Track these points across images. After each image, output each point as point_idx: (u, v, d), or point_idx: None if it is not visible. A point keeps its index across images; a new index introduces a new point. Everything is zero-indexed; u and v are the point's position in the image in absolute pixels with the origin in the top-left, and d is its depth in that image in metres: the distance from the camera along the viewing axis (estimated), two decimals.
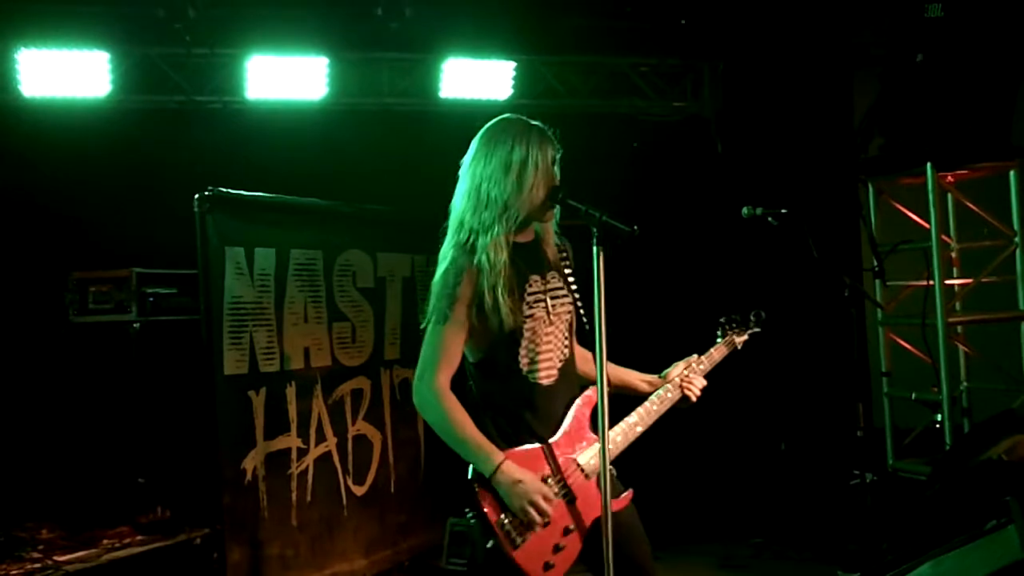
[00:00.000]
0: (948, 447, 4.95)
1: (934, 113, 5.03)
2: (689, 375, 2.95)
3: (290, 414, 4.44)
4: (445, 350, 2.60)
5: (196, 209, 4.08)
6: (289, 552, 4.35)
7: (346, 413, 4.81)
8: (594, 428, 2.72)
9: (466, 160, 2.69)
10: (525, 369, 2.65)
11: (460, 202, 2.67)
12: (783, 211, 3.90)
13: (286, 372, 4.45)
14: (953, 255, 5.50)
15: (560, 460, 2.65)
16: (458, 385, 2.68)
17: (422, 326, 2.67)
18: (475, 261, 2.58)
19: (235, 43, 5.66)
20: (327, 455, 4.65)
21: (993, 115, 5.01)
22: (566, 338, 2.75)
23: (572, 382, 2.77)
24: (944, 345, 5.03)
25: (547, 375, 2.68)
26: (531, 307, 2.64)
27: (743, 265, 6.32)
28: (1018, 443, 3.53)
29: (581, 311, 2.75)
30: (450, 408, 2.58)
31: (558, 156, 2.69)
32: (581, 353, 2.85)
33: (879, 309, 5.51)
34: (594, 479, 2.65)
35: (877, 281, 5.32)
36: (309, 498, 4.50)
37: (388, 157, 5.97)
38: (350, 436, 4.82)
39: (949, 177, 5.30)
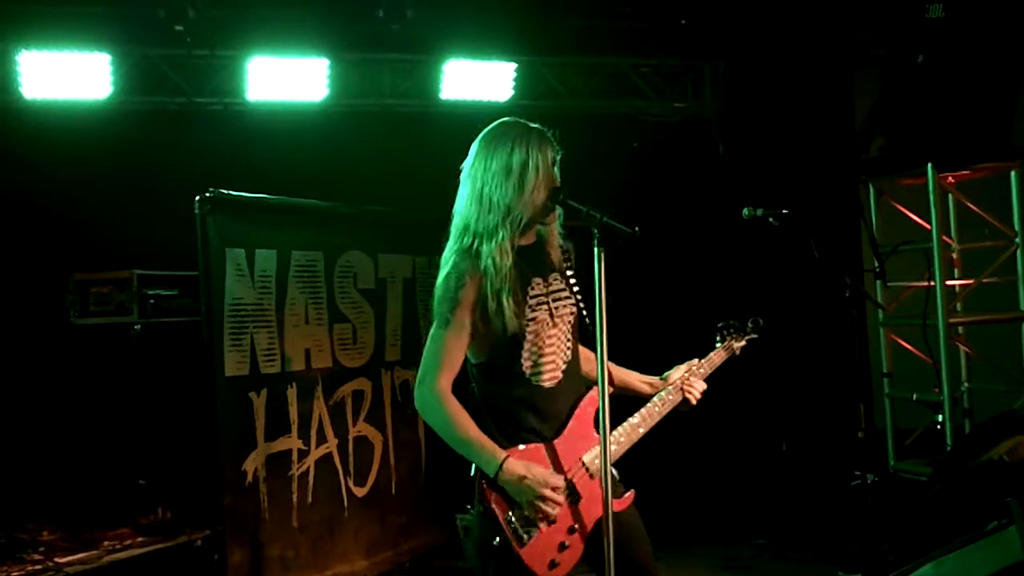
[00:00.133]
0: (949, 448, 4.95)
1: (935, 114, 5.02)
2: (690, 378, 2.96)
3: (291, 415, 4.44)
4: (446, 354, 2.60)
5: (197, 211, 4.08)
6: (290, 553, 4.35)
7: (347, 414, 4.81)
8: (598, 428, 2.71)
9: (466, 164, 2.69)
10: (528, 372, 2.65)
11: (463, 206, 2.67)
12: (784, 212, 3.90)
13: (287, 373, 4.45)
14: (954, 256, 5.50)
15: (564, 459, 2.65)
16: (459, 388, 2.68)
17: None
18: (479, 265, 2.58)
19: (236, 44, 5.66)
20: (328, 456, 4.65)
21: (994, 115, 5.01)
22: (569, 340, 2.75)
23: (576, 383, 2.78)
24: (945, 346, 5.02)
25: (550, 377, 2.69)
26: (534, 310, 2.64)
27: (744, 266, 6.31)
28: (1019, 444, 3.54)
29: (584, 312, 2.75)
30: (452, 411, 2.59)
31: (558, 158, 2.69)
32: (584, 354, 2.86)
33: (880, 310, 5.50)
34: (598, 479, 2.65)
35: (878, 282, 5.32)
36: (310, 499, 4.50)
37: (389, 158, 5.98)
38: (351, 437, 4.82)
39: (950, 178, 5.30)
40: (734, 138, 6.54)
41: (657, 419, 2.86)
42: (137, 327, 4.80)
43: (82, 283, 4.89)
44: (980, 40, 4.97)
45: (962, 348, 5.58)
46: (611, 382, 2.85)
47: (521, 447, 2.61)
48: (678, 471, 5.99)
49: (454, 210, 2.70)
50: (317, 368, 4.63)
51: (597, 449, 2.68)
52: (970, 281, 5.37)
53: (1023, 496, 2.88)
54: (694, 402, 2.94)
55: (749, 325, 3.25)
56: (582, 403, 2.74)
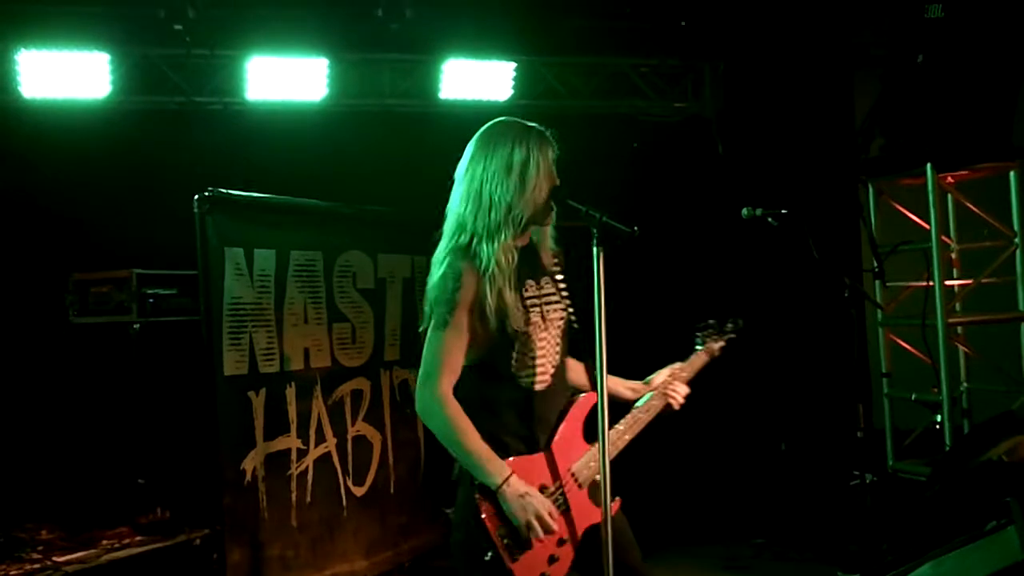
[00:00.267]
0: (948, 448, 4.95)
1: (934, 114, 5.02)
2: (672, 383, 2.95)
3: (290, 415, 4.44)
4: (447, 356, 2.55)
5: (196, 210, 4.08)
6: (289, 553, 4.35)
7: (346, 414, 4.81)
8: (587, 436, 2.72)
9: (463, 163, 2.67)
10: (519, 374, 2.62)
11: (459, 205, 2.63)
12: (783, 211, 3.90)
13: (286, 373, 4.45)
14: (953, 256, 5.50)
15: (556, 469, 2.63)
16: None
17: (420, 329, 2.64)
18: (477, 265, 2.54)
19: (235, 44, 5.66)
20: (327, 456, 4.65)
21: (993, 115, 5.01)
22: (558, 345, 2.72)
23: (564, 389, 2.76)
24: (944, 346, 5.02)
25: (541, 381, 2.66)
26: (527, 312, 2.62)
27: (743, 266, 6.32)
28: (1018, 444, 3.54)
29: (573, 319, 2.73)
30: (454, 417, 2.54)
31: (556, 157, 2.68)
32: (569, 362, 2.83)
33: (879, 310, 5.50)
34: (586, 488, 2.66)
35: (877, 282, 5.31)
36: (309, 499, 4.49)
37: (388, 158, 5.98)
38: (350, 437, 4.81)
39: (949, 178, 5.30)
40: (734, 138, 6.54)
41: (643, 425, 2.84)
42: (136, 326, 4.80)
43: (81, 282, 4.89)
44: (980, 40, 4.97)
45: (961, 348, 5.58)
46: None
47: (522, 458, 2.58)
48: (678, 471, 6.00)
49: (447, 209, 2.67)
50: (316, 367, 4.63)
51: (586, 458, 2.68)
52: (969, 281, 5.36)
53: (1022, 496, 2.88)
54: (677, 407, 2.94)
55: (728, 325, 3.23)
56: (571, 411, 2.72)
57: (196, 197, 4.08)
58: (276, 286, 4.44)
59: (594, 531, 2.61)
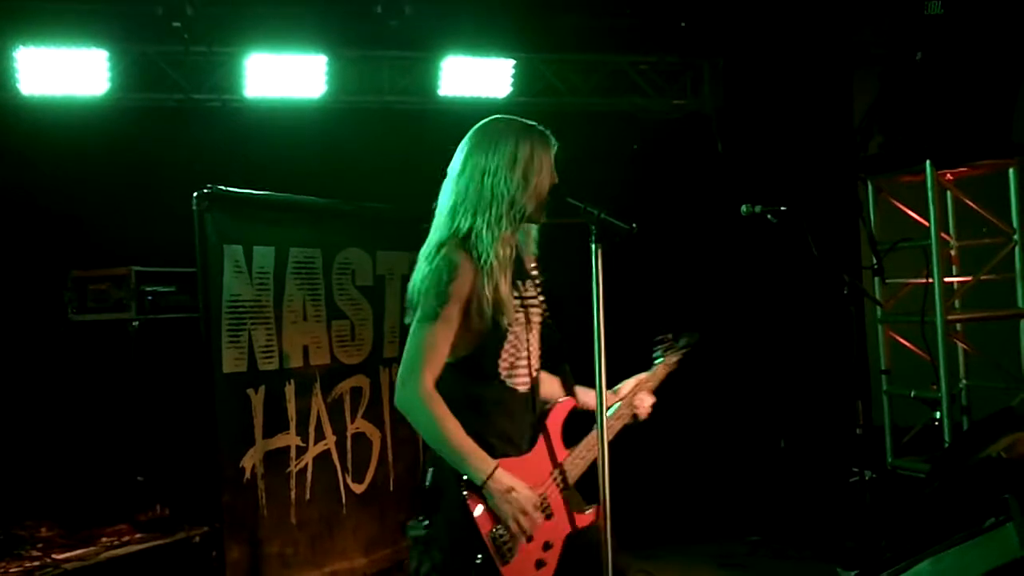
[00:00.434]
0: (947, 445, 4.95)
1: (934, 111, 5.02)
2: (639, 392, 2.97)
3: (289, 412, 4.44)
4: (433, 351, 2.49)
5: (195, 207, 4.07)
6: (288, 550, 4.35)
7: (345, 411, 4.81)
8: (566, 442, 2.72)
9: (459, 158, 2.64)
10: (504, 374, 2.59)
11: (454, 196, 2.59)
12: (782, 209, 3.89)
13: (285, 370, 4.45)
14: (952, 253, 5.50)
15: (537, 474, 2.61)
16: None
17: (406, 321, 2.59)
18: (474, 258, 2.51)
19: (233, 41, 5.66)
20: (326, 453, 4.65)
21: (993, 112, 5.01)
22: (539, 348, 2.70)
23: (540, 393, 2.74)
24: (943, 343, 5.02)
25: (523, 382, 2.64)
26: (516, 311, 2.59)
27: (742, 263, 6.31)
28: (1017, 441, 3.54)
29: (550, 322, 2.72)
30: (439, 412, 2.47)
31: (555, 155, 2.67)
32: (543, 375, 2.81)
33: (878, 307, 5.50)
34: (565, 495, 2.65)
35: (876, 279, 5.31)
36: (308, 496, 4.49)
37: (387, 155, 5.97)
38: (349, 434, 4.81)
39: (948, 175, 5.30)
40: (733, 135, 6.54)
41: (613, 434, 2.83)
42: (135, 324, 4.79)
43: (80, 280, 4.88)
44: (979, 37, 4.96)
45: (960, 345, 5.58)
46: (574, 396, 2.84)
47: (508, 459, 2.55)
48: (676, 468, 6.00)
49: (439, 203, 2.64)
50: (315, 365, 4.63)
51: (566, 464, 2.68)
52: (968, 278, 5.37)
53: (1021, 493, 2.88)
54: (643, 417, 2.95)
55: (683, 340, 3.23)
56: (551, 415, 2.72)
57: (195, 194, 4.08)
58: (275, 283, 4.44)
59: (572, 539, 2.61)
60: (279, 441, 4.37)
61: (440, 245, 2.55)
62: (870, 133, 5.51)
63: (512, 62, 6.18)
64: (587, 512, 2.69)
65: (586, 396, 2.90)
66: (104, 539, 4.40)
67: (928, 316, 5.03)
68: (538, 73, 6.37)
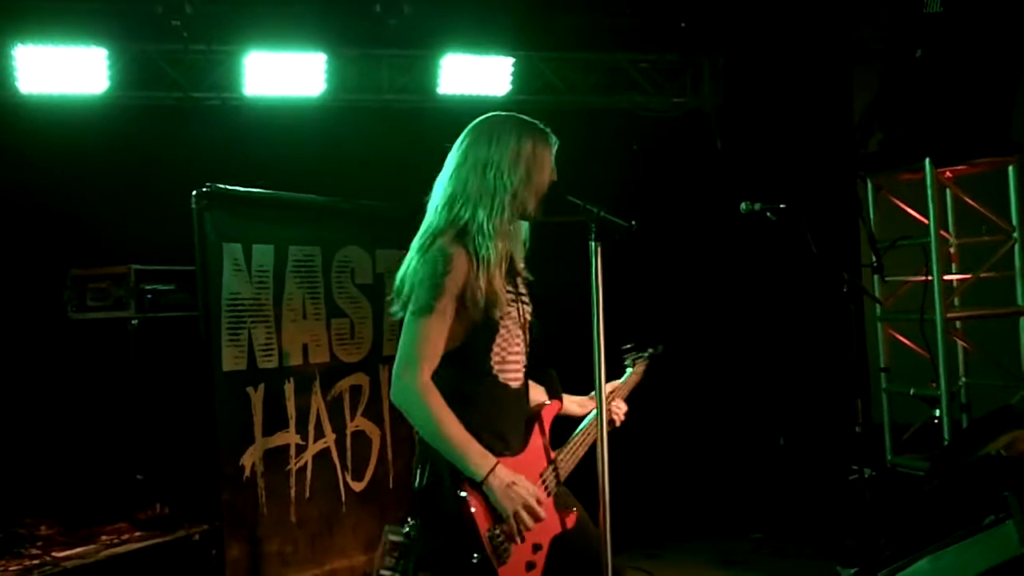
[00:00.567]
0: (946, 443, 4.95)
1: (933, 108, 5.02)
2: (614, 399, 3.00)
3: (288, 410, 4.44)
4: (429, 344, 2.44)
5: (194, 205, 4.08)
6: (288, 548, 4.35)
7: (345, 409, 4.81)
8: (554, 444, 2.73)
9: (457, 152, 2.62)
10: (496, 368, 2.58)
11: (452, 187, 2.57)
12: (782, 206, 3.89)
13: (284, 368, 4.45)
14: (952, 251, 5.50)
15: (532, 474, 2.60)
16: None
17: (393, 312, 2.56)
18: (471, 250, 2.48)
19: (233, 39, 5.65)
20: (326, 451, 4.65)
21: (992, 110, 5.01)
22: (528, 345, 2.69)
23: (528, 393, 2.74)
24: (943, 341, 5.02)
25: (515, 378, 2.63)
26: (508, 304, 2.58)
27: (742, 260, 6.31)
28: (1016, 439, 3.54)
29: (535, 321, 2.72)
30: (437, 407, 2.43)
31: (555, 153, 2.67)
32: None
33: (878, 305, 5.50)
34: (552, 497, 2.65)
35: (876, 277, 5.31)
36: (308, 494, 4.50)
37: (386, 153, 5.96)
38: (349, 432, 4.82)
39: (948, 172, 5.30)
40: (733, 133, 6.53)
41: (594, 438, 2.78)
42: (134, 322, 4.79)
43: (79, 278, 4.88)
44: (978, 34, 4.96)
45: (960, 343, 5.58)
46: (560, 400, 2.85)
47: (507, 457, 2.54)
48: (676, 466, 5.99)
49: (434, 194, 2.62)
50: (315, 363, 4.63)
51: (554, 466, 2.68)
52: (968, 276, 5.37)
53: (1020, 491, 2.88)
54: (618, 423, 2.98)
55: (648, 351, 3.28)
56: (540, 417, 2.72)
57: (194, 193, 4.08)
58: (274, 281, 4.44)
59: (558, 540, 2.61)
60: (279, 439, 4.37)
61: (435, 236, 2.53)
62: (870, 130, 5.51)
63: (511, 60, 6.17)
64: (572, 512, 2.69)
65: (570, 403, 2.92)
66: (104, 537, 4.41)
67: (927, 314, 5.03)
68: (537, 71, 6.37)
